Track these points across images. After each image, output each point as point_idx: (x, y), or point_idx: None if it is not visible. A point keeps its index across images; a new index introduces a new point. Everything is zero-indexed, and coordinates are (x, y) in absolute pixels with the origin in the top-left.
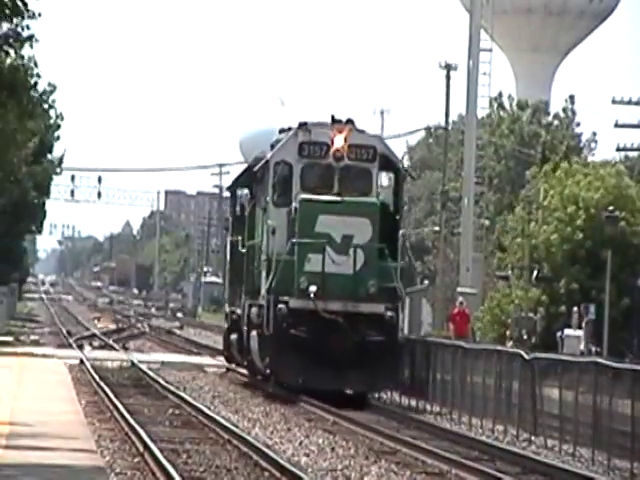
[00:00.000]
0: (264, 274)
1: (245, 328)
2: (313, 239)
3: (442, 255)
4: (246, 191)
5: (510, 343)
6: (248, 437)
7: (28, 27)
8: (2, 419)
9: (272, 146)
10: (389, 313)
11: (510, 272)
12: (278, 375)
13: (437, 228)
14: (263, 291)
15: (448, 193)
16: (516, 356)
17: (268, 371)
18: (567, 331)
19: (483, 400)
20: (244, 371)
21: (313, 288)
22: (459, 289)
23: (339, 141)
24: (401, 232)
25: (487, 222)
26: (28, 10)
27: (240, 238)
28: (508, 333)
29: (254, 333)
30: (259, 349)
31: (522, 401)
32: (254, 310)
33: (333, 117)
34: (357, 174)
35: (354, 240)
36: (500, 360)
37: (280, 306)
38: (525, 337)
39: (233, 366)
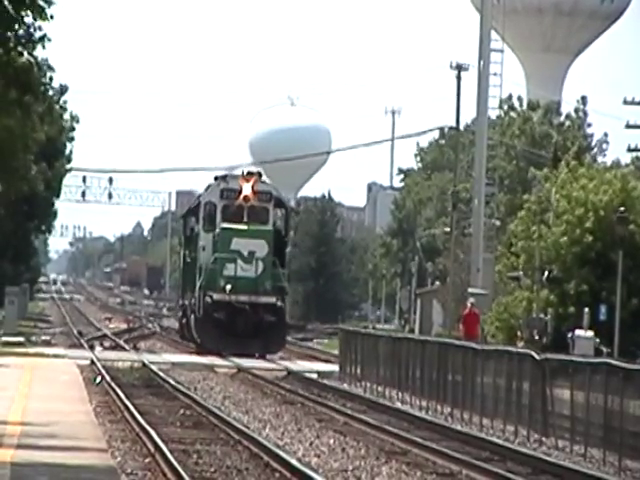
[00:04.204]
0: (197, 277)
1: (189, 313)
2: (229, 254)
3: (453, 256)
4: (194, 218)
5: (521, 344)
6: (259, 438)
7: (40, 28)
8: (14, 419)
9: (205, 190)
10: (279, 303)
11: (521, 273)
12: (205, 344)
13: (448, 229)
14: (197, 288)
15: (459, 194)
16: (527, 357)
17: (199, 341)
18: (578, 332)
19: (494, 401)
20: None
21: (229, 286)
22: (470, 290)
23: (247, 189)
24: (288, 249)
25: (498, 223)
26: (46, 14)
27: (188, 251)
28: (519, 334)
29: (192, 317)
30: (194, 327)
31: (533, 402)
32: (192, 301)
33: (243, 172)
34: (259, 211)
35: (256, 254)
36: (511, 361)
37: (207, 298)
38: (536, 338)
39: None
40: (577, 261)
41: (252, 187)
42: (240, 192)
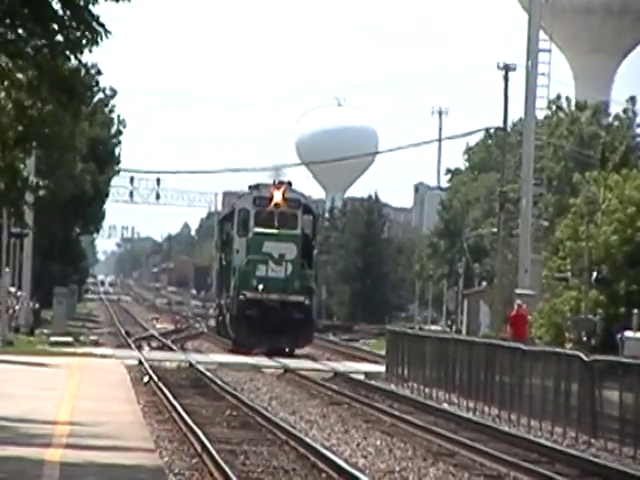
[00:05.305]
0: (232, 277)
1: (224, 311)
2: (261, 256)
3: (500, 256)
4: (229, 224)
5: (569, 345)
6: (306, 438)
7: (92, 34)
8: (62, 419)
9: (239, 198)
10: (306, 301)
11: (569, 274)
12: (239, 339)
13: (495, 229)
14: (231, 288)
15: (506, 194)
16: (575, 358)
17: (234, 337)
18: (627, 333)
19: (542, 402)
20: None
21: (261, 286)
22: (517, 290)
23: (278, 196)
24: (315, 252)
25: (546, 223)
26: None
27: (224, 255)
28: (567, 335)
29: (228, 314)
30: (229, 324)
31: (581, 403)
32: (228, 300)
33: (274, 181)
34: (288, 216)
35: (286, 257)
36: (559, 362)
37: (240, 297)
38: (585, 339)
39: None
40: (628, 261)
41: (282, 195)
42: (271, 200)
